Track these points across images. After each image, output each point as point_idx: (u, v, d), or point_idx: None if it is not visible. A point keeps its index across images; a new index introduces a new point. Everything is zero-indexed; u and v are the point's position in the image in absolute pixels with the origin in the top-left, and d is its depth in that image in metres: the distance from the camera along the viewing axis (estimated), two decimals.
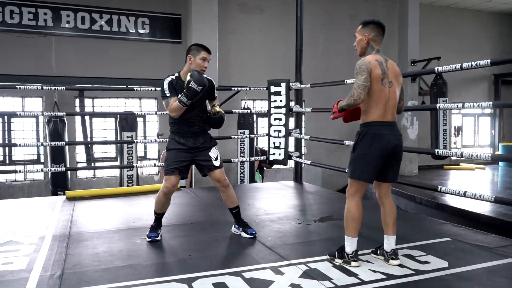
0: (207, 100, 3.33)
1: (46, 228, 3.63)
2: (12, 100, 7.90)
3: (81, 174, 8.44)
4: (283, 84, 5.59)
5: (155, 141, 6.55)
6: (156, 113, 5.61)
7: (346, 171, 2.77)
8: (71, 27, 7.92)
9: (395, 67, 2.71)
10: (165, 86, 3.13)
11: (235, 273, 2.54)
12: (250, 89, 6.07)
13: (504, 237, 3.32)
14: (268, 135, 5.72)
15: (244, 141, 8.19)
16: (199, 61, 3.11)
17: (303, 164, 5.91)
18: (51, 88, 5.15)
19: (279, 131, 5.60)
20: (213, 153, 3.26)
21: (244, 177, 8.54)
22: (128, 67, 8.30)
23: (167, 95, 3.11)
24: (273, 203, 4.71)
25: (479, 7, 11.39)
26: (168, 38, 8.64)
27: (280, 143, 5.60)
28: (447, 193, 3.36)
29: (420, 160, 10.35)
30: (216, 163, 3.25)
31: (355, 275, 2.50)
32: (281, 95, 5.58)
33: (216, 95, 3.40)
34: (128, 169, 7.41)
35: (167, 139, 3.34)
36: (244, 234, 3.32)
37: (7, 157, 7.93)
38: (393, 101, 2.65)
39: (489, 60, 2.96)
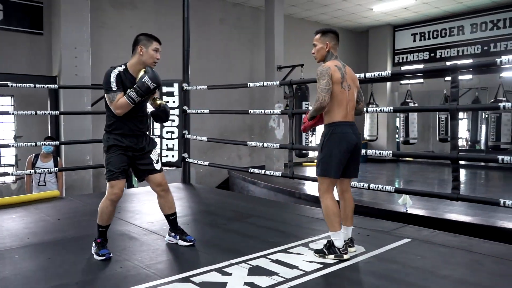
0: None
1: None
2: None
3: None
4: (176, 85, 5.50)
5: (49, 144, 5.68)
6: (59, 113, 4.85)
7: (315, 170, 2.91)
8: None
9: (352, 72, 2.96)
10: (112, 79, 2.78)
11: (183, 279, 2.48)
12: None
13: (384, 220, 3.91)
14: (161, 136, 5.56)
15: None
16: (152, 52, 2.86)
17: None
18: None
19: (172, 132, 5.49)
20: (154, 155, 3.04)
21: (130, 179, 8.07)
22: None
23: (113, 89, 2.77)
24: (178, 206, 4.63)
25: (328, 22, 12.89)
26: (26, 28, 7.60)
27: (173, 144, 5.50)
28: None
29: (286, 158, 11.22)
30: (157, 166, 3.04)
31: (296, 267, 2.67)
32: (173, 96, 5.49)
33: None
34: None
35: (104, 139, 2.91)
36: (182, 242, 3.12)
37: None
38: (352, 103, 2.91)
39: (389, 72, 3.45)
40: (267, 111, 4.65)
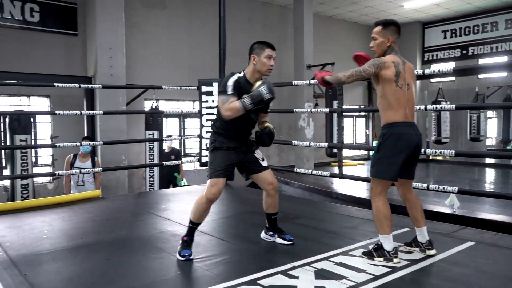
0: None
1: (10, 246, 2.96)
2: None
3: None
4: (215, 84, 5.45)
5: (81, 144, 5.70)
6: (81, 113, 4.90)
7: (369, 171, 2.80)
8: None
9: (413, 71, 2.83)
10: (230, 83, 2.81)
11: (250, 282, 2.41)
12: (180, 88, 5.78)
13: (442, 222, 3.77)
14: (200, 136, 5.53)
15: (153, 143, 7.76)
16: (264, 60, 2.87)
17: None
18: None
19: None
20: (259, 154, 3.06)
21: (154, 182, 8.08)
22: (13, 59, 7.16)
23: (229, 92, 2.79)
24: (220, 205, 4.58)
25: (356, 20, 12.69)
26: (62, 29, 7.68)
27: None
28: None
29: (315, 158, 11.10)
30: (264, 163, 3.05)
31: (363, 270, 2.57)
32: (213, 95, 5.44)
33: (269, 110, 3.14)
34: (22, 178, 6.39)
35: (211, 140, 2.98)
36: (280, 241, 3.13)
37: None
38: (412, 103, 2.77)
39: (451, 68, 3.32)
40: (313, 110, 4.53)
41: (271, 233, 3.22)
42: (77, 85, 4.85)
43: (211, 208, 2.91)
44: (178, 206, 4.58)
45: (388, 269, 2.59)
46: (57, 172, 5.04)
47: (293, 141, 4.72)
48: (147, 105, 8.64)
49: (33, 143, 6.87)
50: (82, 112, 5.01)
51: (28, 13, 7.28)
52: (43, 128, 7.79)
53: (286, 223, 3.79)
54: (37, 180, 7.63)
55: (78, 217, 4.09)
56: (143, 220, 4.00)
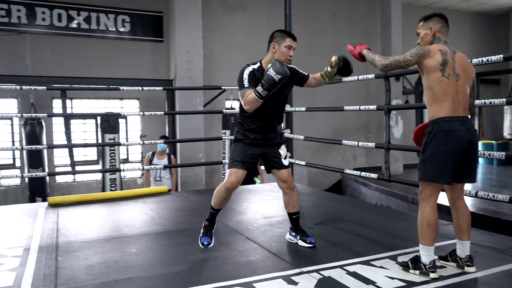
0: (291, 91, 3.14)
1: (30, 238, 3.36)
2: None
3: (60, 178, 8.06)
4: None
5: (143, 143, 6.26)
6: (143, 114, 5.33)
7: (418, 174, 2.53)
8: (47, 24, 7.54)
9: (466, 61, 2.53)
10: (245, 75, 2.80)
11: (245, 284, 2.37)
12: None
13: (505, 235, 3.27)
14: None
15: (225, 142, 8.01)
16: (284, 49, 2.81)
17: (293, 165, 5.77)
18: (31, 88, 4.82)
19: None
20: (283, 150, 3.01)
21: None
22: (107, 66, 7.99)
23: (245, 85, 2.77)
24: (269, 205, 4.57)
25: (458, 7, 11.54)
26: (149, 36, 8.35)
27: None
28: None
29: (405, 158, 10.39)
30: (285, 162, 3.01)
31: (373, 283, 2.36)
32: None
33: (306, 73, 3.10)
34: (111, 172, 7.11)
35: (235, 131, 3.02)
36: (302, 243, 3.05)
37: None
38: (464, 95, 2.45)
39: (501, 56, 2.87)
40: (362, 107, 4.27)
41: (293, 234, 3.15)
42: (139, 88, 5.20)
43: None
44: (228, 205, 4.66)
45: (402, 283, 2.34)
46: (123, 169, 5.46)
47: (343, 141, 4.48)
48: (228, 105, 8.95)
49: (121, 141, 7.59)
50: (145, 113, 5.31)
51: (120, 24, 8.05)
52: (134, 128, 8.57)
53: (325, 226, 3.66)
54: (128, 174, 8.43)
55: (134, 210, 4.42)
56: (192, 215, 4.18)
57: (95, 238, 3.38)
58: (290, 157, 5.63)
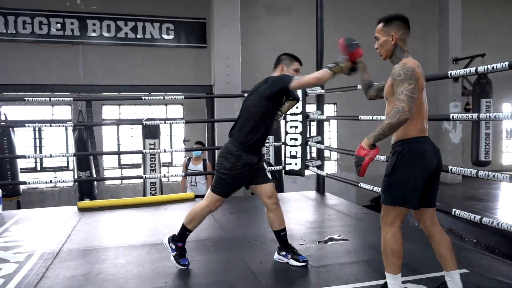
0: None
1: (40, 244, 3.55)
2: (43, 109, 8.12)
3: (109, 180, 8.50)
4: (299, 90, 5.25)
5: (179, 150, 6.39)
6: (183, 121, 5.46)
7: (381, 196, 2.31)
8: (97, 35, 7.99)
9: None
10: (282, 76, 2.85)
11: None
12: None
13: None
14: (284, 143, 5.41)
15: (269, 148, 7.92)
16: (292, 72, 2.92)
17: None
18: (78, 95, 5.09)
19: (296, 139, 5.27)
20: (265, 163, 3.02)
21: None
22: (153, 73, 8.27)
23: (292, 76, 2.78)
24: (291, 217, 4.39)
25: None
26: (193, 43, 8.52)
27: (296, 152, 5.27)
28: (461, 218, 2.89)
29: (465, 165, 9.55)
30: (269, 175, 2.95)
31: None
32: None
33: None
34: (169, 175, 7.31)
35: (231, 153, 2.78)
36: (293, 262, 2.90)
37: (38, 164, 8.15)
38: (427, 113, 2.30)
39: None
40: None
41: (283, 253, 2.98)
42: (141, 94, 5.29)
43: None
44: (241, 217, 4.57)
45: None
46: (145, 176, 5.57)
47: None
48: None
49: (162, 147, 7.82)
50: (166, 121, 5.39)
51: (164, 32, 8.30)
52: (177, 133, 8.79)
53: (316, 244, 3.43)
54: (172, 178, 8.66)
55: (150, 218, 4.49)
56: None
57: (96, 247, 3.47)
58: (319, 165, 5.44)
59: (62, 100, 6.02)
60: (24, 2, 7.66)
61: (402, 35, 2.28)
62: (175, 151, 7.45)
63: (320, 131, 5.72)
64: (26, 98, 4.85)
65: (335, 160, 9.85)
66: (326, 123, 9.90)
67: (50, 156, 4.90)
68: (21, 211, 5.06)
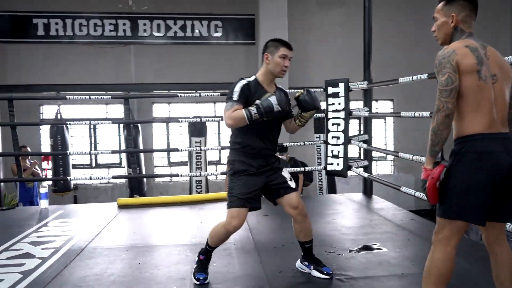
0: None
1: (69, 240, 3.58)
2: (97, 108, 8.45)
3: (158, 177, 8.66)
4: (342, 85, 4.91)
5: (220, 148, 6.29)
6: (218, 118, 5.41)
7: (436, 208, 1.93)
8: (148, 35, 8.16)
9: (500, 57, 1.93)
10: (237, 88, 2.49)
11: None
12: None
13: None
14: (326, 142, 5.10)
15: (320, 146, 7.62)
16: (278, 59, 2.51)
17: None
18: (128, 93, 5.21)
19: (338, 137, 4.93)
20: (286, 173, 2.64)
21: (322, 185, 7.93)
22: (202, 71, 8.29)
23: (234, 98, 2.45)
24: (326, 221, 4.11)
25: None
26: (241, 39, 8.42)
27: (338, 151, 4.93)
28: None
29: None
30: (292, 184, 2.62)
31: None
32: (339, 97, 4.92)
33: (293, 113, 2.71)
34: (196, 175, 7.33)
35: (228, 159, 2.64)
36: (316, 273, 2.66)
37: (93, 161, 8.49)
38: (502, 103, 1.86)
39: None
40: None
41: (306, 263, 2.73)
42: (197, 94, 5.20)
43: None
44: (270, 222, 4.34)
45: None
46: (180, 174, 5.53)
47: (399, 153, 3.77)
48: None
49: (209, 144, 7.79)
50: (213, 118, 5.29)
51: (213, 30, 8.27)
52: (225, 131, 8.72)
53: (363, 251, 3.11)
54: (221, 176, 8.62)
55: (183, 217, 4.42)
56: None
57: (119, 246, 3.43)
58: (366, 166, 5.05)
59: (103, 98, 6.11)
60: (80, 5, 8.00)
61: (465, 17, 1.92)
62: (211, 149, 7.39)
63: (368, 129, 5.33)
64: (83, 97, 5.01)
65: (391, 160, 9.27)
66: (381, 121, 9.38)
67: (87, 153, 5.00)
68: (65, 206, 5.23)
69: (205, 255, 2.68)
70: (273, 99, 2.37)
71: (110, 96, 5.33)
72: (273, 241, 3.47)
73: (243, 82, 2.53)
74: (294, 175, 6.30)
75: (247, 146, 2.53)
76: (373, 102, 8.17)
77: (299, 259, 2.79)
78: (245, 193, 2.48)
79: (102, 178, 5.63)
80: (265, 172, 2.55)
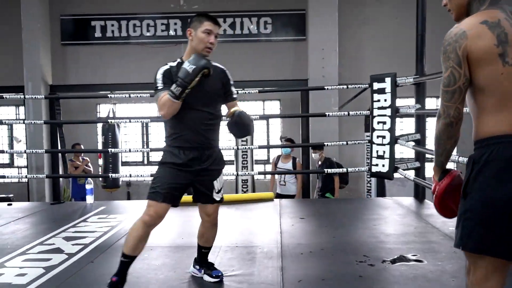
0: (222, 105, 2.53)
1: (101, 237, 3.62)
2: (149, 106, 8.66)
3: None
4: (388, 80, 4.55)
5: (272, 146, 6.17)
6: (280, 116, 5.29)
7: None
8: None
9: None
10: (158, 76, 2.29)
11: None
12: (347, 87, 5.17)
13: None
14: (371, 141, 4.76)
15: (370, 145, 7.19)
16: (202, 35, 2.28)
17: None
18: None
19: (383, 137, 4.58)
20: (219, 182, 2.47)
21: (371, 187, 7.51)
22: (251, 68, 8.18)
23: (159, 87, 2.27)
24: (366, 226, 3.82)
25: None
26: (291, 35, 8.21)
27: (384, 151, 4.58)
28: None
29: None
30: (217, 197, 2.47)
31: None
32: (385, 93, 4.56)
33: (235, 95, 2.50)
34: (243, 174, 7.25)
35: (162, 153, 2.47)
36: (207, 278, 2.57)
37: (145, 158, 8.73)
38: None
39: None
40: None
41: (197, 267, 2.66)
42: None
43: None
44: (306, 222, 4.11)
45: None
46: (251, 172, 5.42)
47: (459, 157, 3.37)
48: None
49: (255, 143, 7.67)
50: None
51: (262, 26, 8.14)
52: (274, 129, 8.57)
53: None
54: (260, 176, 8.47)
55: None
56: (256, 227, 3.84)
57: (147, 244, 3.40)
58: (418, 167, 4.65)
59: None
60: (135, 6, 8.24)
61: None
62: (255, 147, 7.23)
63: (420, 128, 4.91)
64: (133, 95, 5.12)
65: (453, 161, 8.58)
66: (430, 120, 8.68)
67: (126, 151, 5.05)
68: (109, 202, 5.37)
69: (119, 274, 2.37)
70: (185, 64, 2.17)
71: None
72: (302, 247, 3.26)
73: (164, 67, 2.35)
74: (329, 177, 6.08)
75: (179, 136, 2.35)
76: (431, 99, 7.65)
77: (192, 265, 2.69)
78: (165, 188, 2.30)
79: (148, 176, 5.70)
80: (195, 171, 2.36)
